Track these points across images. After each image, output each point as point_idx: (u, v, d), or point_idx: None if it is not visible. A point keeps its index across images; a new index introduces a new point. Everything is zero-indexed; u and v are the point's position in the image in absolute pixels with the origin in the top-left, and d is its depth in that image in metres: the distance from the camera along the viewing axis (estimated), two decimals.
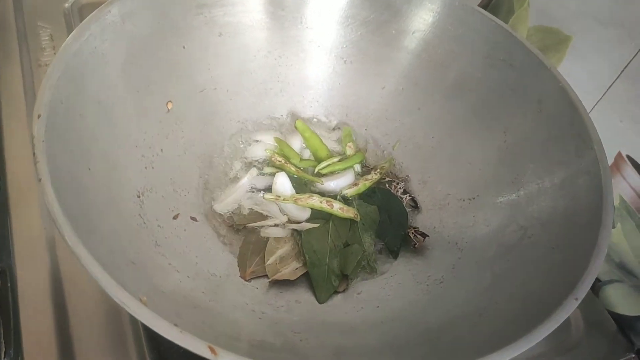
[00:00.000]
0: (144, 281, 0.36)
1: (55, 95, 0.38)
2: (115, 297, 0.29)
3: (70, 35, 0.42)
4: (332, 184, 0.54)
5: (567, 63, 0.59)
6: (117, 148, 0.44)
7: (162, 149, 0.50)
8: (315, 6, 0.58)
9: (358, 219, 0.51)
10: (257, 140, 0.58)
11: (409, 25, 0.58)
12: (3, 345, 0.43)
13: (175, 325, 0.29)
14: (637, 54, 0.51)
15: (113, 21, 0.46)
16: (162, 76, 0.51)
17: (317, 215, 0.52)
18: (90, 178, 0.39)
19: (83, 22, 0.43)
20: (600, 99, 0.56)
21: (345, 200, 0.54)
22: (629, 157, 0.53)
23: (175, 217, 0.47)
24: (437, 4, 0.56)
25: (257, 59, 0.58)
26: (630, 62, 0.52)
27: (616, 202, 0.55)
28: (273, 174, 0.53)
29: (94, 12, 0.45)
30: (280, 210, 0.52)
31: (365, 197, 0.55)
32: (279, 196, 0.51)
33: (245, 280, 0.46)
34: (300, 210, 0.51)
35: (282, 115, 0.61)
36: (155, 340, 0.44)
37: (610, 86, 0.54)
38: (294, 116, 0.61)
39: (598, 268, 0.36)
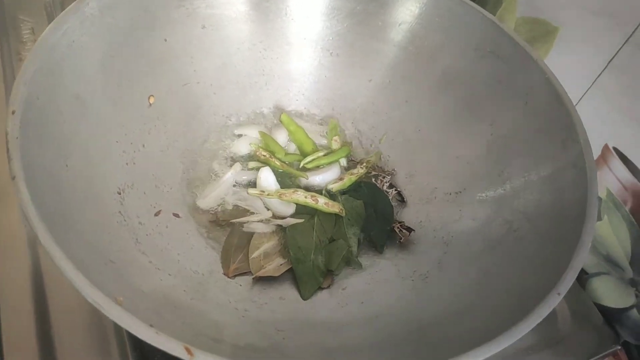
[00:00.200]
0: (122, 280, 0.35)
1: (31, 91, 0.37)
2: (88, 297, 0.29)
3: (47, 29, 0.41)
4: (317, 179, 0.54)
5: (554, 54, 0.58)
6: (97, 144, 0.43)
7: (144, 145, 0.49)
8: None
9: (343, 214, 0.51)
10: (242, 135, 0.57)
11: (395, 16, 0.57)
12: None
13: (151, 325, 0.29)
14: (624, 44, 0.51)
15: (92, 14, 0.45)
16: (144, 70, 0.50)
17: (302, 210, 0.51)
18: (68, 175, 0.38)
19: (60, 15, 0.43)
20: (588, 90, 0.55)
21: (331, 195, 0.53)
22: (615, 149, 0.53)
23: (157, 214, 0.46)
24: None
25: (241, 52, 0.58)
26: (617, 52, 0.52)
27: (603, 194, 0.55)
28: (257, 169, 0.53)
29: (72, 4, 0.44)
30: (265, 205, 0.51)
31: (351, 191, 0.54)
32: (263, 191, 0.51)
33: (229, 278, 0.45)
34: (284, 205, 0.51)
35: (267, 109, 0.61)
36: (138, 339, 0.43)
37: (597, 77, 0.54)
38: (280, 110, 0.61)
39: (581, 263, 0.35)
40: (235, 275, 0.46)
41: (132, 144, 0.47)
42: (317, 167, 0.55)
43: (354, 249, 0.49)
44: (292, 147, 0.58)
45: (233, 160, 0.55)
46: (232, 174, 0.52)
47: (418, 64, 0.57)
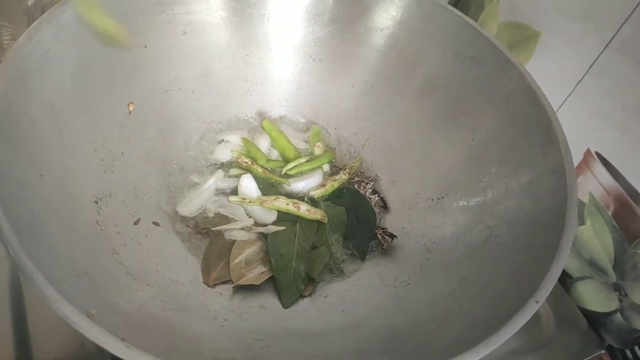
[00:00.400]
0: (96, 292, 0.35)
1: (4, 101, 0.36)
2: (58, 310, 0.28)
3: (21, 38, 0.41)
4: (299, 185, 0.54)
5: (536, 59, 0.58)
6: (73, 153, 0.43)
7: (122, 153, 0.48)
8: (282, 2, 0.57)
9: (326, 221, 0.51)
10: (224, 141, 0.57)
11: (377, 22, 0.57)
12: None
13: (123, 339, 0.29)
14: (604, 49, 0.51)
15: (68, 22, 0.44)
16: (123, 77, 0.50)
17: (284, 217, 0.51)
18: (42, 185, 0.38)
19: (35, 23, 0.42)
20: (570, 94, 0.55)
21: (313, 201, 0.53)
22: (598, 153, 0.53)
23: (136, 223, 0.46)
24: (405, 1, 0.55)
25: (223, 58, 0.57)
26: (598, 57, 0.52)
27: (586, 199, 0.55)
28: (239, 176, 0.52)
29: (47, 12, 0.43)
30: (247, 213, 0.51)
31: (334, 198, 0.54)
32: (245, 198, 0.50)
33: (209, 287, 0.45)
34: (266, 212, 0.50)
35: (250, 115, 0.60)
36: None
37: (579, 82, 0.54)
38: (263, 116, 0.60)
39: (559, 270, 0.35)
40: (215, 284, 0.45)
41: (110, 152, 0.47)
42: (300, 174, 0.55)
43: (336, 256, 0.49)
44: (275, 154, 0.57)
45: (215, 167, 0.55)
46: (214, 181, 0.52)
47: (400, 70, 0.56)
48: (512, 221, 0.43)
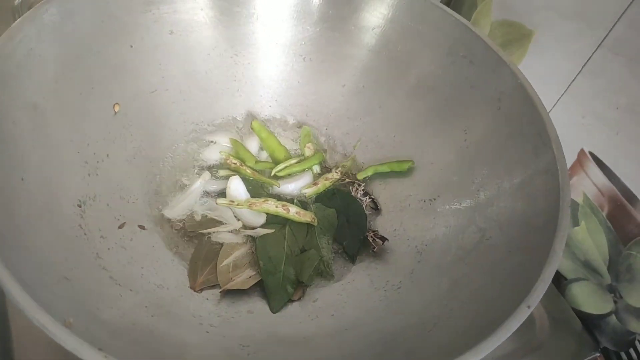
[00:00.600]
0: (76, 298, 0.34)
1: None
2: (33, 318, 0.28)
3: (2, 37, 0.40)
4: (289, 187, 0.53)
5: (529, 58, 0.58)
6: (56, 155, 0.42)
7: (108, 155, 0.47)
8: (271, 1, 0.56)
9: (315, 223, 0.50)
10: (213, 142, 0.56)
11: (368, 21, 0.56)
12: None
13: (100, 349, 0.28)
14: (597, 48, 0.50)
15: (52, 20, 0.44)
16: (108, 77, 0.49)
17: (273, 220, 0.50)
18: (23, 189, 0.37)
19: (16, 22, 0.41)
20: (563, 94, 0.54)
21: (303, 203, 0.52)
22: (591, 153, 0.52)
23: (120, 227, 0.45)
24: None
25: (211, 58, 0.56)
26: (591, 56, 0.51)
27: (580, 199, 0.54)
28: (227, 178, 0.51)
29: (30, 11, 0.43)
30: (235, 215, 0.50)
31: (324, 199, 0.53)
32: (233, 201, 0.49)
33: (195, 291, 0.44)
34: (255, 215, 0.49)
35: (239, 116, 0.59)
36: None
37: (572, 81, 0.53)
38: (252, 116, 0.59)
39: (552, 274, 0.34)
40: (202, 289, 0.44)
41: (95, 154, 0.46)
42: (290, 175, 0.54)
43: (326, 259, 0.48)
44: (264, 155, 0.57)
45: (203, 168, 0.54)
46: (201, 183, 0.51)
47: (391, 69, 0.56)
48: (505, 223, 0.42)
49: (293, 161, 0.55)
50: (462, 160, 0.50)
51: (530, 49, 0.58)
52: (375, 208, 0.53)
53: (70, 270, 0.36)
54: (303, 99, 0.60)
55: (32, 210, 0.37)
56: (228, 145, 0.56)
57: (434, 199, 0.50)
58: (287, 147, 0.57)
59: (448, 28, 0.52)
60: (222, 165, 0.54)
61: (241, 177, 0.51)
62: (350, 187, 0.55)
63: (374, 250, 0.49)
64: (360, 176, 0.55)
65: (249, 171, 0.52)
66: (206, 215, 0.50)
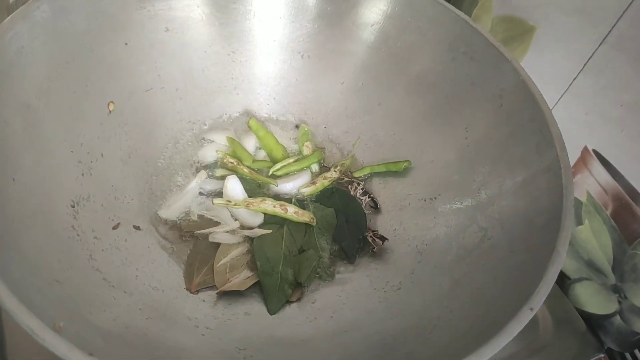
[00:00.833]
0: (68, 301, 0.33)
1: None
2: (21, 322, 0.27)
3: None
4: (287, 186, 0.52)
5: (531, 54, 0.57)
6: (49, 155, 0.41)
7: (102, 154, 0.47)
8: None
9: (314, 223, 0.49)
10: (209, 141, 0.55)
11: (367, 17, 0.55)
12: None
13: (91, 354, 0.27)
14: (600, 44, 0.49)
15: (43, 18, 0.43)
16: (102, 75, 0.48)
17: (270, 220, 0.49)
18: (14, 189, 0.36)
19: (6, 20, 0.40)
20: (566, 91, 0.53)
21: (301, 203, 0.51)
22: (595, 151, 0.52)
23: (115, 227, 0.44)
24: None
25: (208, 56, 0.56)
26: (594, 52, 0.50)
27: (584, 198, 0.53)
28: (224, 177, 0.50)
29: (21, 8, 0.42)
30: (232, 215, 0.49)
31: (323, 199, 0.52)
32: (230, 201, 0.48)
33: (192, 293, 0.43)
34: (252, 215, 0.49)
35: (236, 114, 0.58)
36: None
37: (575, 78, 0.52)
38: (249, 115, 0.58)
39: (555, 275, 0.33)
40: (198, 290, 0.44)
41: (89, 154, 0.45)
42: (288, 174, 0.53)
43: (325, 259, 0.47)
44: (262, 154, 0.56)
45: (199, 168, 0.53)
46: (197, 183, 0.50)
47: (391, 66, 0.55)
48: (507, 222, 0.41)
49: (291, 160, 0.54)
50: (462, 159, 0.49)
51: (531, 45, 0.57)
52: (375, 207, 0.53)
53: (63, 272, 0.35)
54: (301, 96, 0.59)
55: (24, 211, 0.36)
56: (225, 144, 0.55)
57: (435, 198, 0.50)
58: (285, 145, 0.56)
59: (448, 24, 0.51)
60: (219, 164, 0.53)
61: (238, 177, 0.50)
62: (349, 186, 0.54)
63: (374, 250, 0.48)
64: (356, 174, 0.54)
65: (246, 170, 0.52)
66: (203, 216, 0.49)
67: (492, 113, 0.47)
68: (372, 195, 0.53)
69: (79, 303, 0.34)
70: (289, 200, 0.51)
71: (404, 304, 0.42)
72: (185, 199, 0.49)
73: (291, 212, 0.48)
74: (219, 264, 0.45)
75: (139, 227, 0.46)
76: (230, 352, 0.37)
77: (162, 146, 0.53)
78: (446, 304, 0.38)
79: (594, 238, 0.53)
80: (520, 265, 0.37)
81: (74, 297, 0.34)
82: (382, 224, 0.51)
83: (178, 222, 0.48)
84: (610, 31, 0.48)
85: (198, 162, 0.54)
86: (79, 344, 0.27)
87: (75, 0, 0.45)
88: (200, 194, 0.51)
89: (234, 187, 0.49)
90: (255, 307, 0.44)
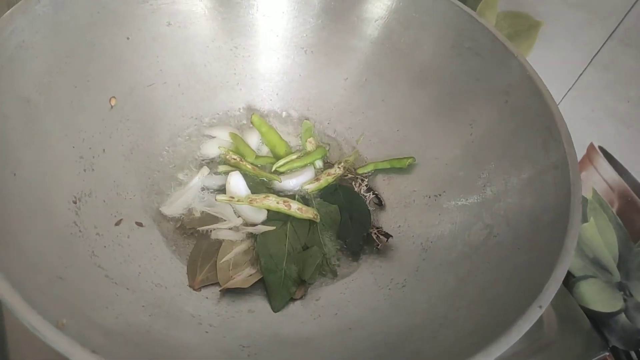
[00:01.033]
0: (70, 298, 0.33)
1: None
2: (23, 319, 0.26)
3: None
4: (291, 183, 0.51)
5: (537, 50, 0.56)
6: (50, 150, 0.41)
7: (104, 149, 0.46)
8: None
9: (318, 220, 0.48)
10: (212, 137, 0.54)
11: (371, 12, 0.55)
12: None
13: (94, 351, 0.26)
14: (607, 39, 0.48)
15: (44, 12, 0.42)
16: (104, 70, 0.47)
17: (274, 216, 0.49)
18: (15, 185, 0.36)
19: (6, 13, 0.40)
20: (572, 87, 0.53)
21: (304, 200, 0.51)
22: (601, 148, 0.51)
23: (117, 223, 0.43)
24: None
25: (210, 50, 0.55)
26: (601, 48, 0.49)
27: (589, 195, 0.53)
28: (227, 173, 0.50)
29: (21, 1, 0.41)
30: (235, 212, 0.49)
31: (326, 195, 0.52)
32: (233, 197, 0.48)
33: (194, 290, 0.43)
34: (255, 211, 0.48)
35: (239, 110, 0.58)
36: None
37: (581, 74, 0.52)
38: (252, 110, 0.58)
39: (564, 273, 0.33)
40: (201, 287, 0.43)
41: (90, 149, 0.45)
42: (291, 171, 0.53)
43: (329, 256, 0.47)
44: (265, 150, 0.55)
45: (202, 164, 0.52)
46: (200, 179, 0.50)
47: (395, 61, 0.54)
48: (513, 220, 0.41)
49: (294, 156, 0.53)
50: (467, 155, 0.48)
51: (537, 40, 0.56)
52: (379, 204, 0.52)
53: (65, 269, 0.35)
54: (304, 92, 0.58)
55: (25, 206, 0.36)
56: (228, 140, 0.54)
57: (439, 195, 0.49)
58: (288, 141, 0.55)
59: (453, 19, 0.50)
60: (222, 160, 0.53)
61: (241, 173, 0.50)
62: (353, 183, 0.54)
63: (378, 247, 0.48)
64: (359, 171, 0.54)
65: (249, 166, 0.51)
66: (205, 212, 0.48)
67: (497, 109, 0.47)
68: (376, 192, 0.53)
69: (81, 300, 0.33)
70: (292, 196, 0.50)
71: (409, 301, 0.41)
72: (187, 195, 0.48)
73: (295, 208, 0.48)
74: (222, 261, 0.45)
75: (141, 223, 0.45)
76: (234, 349, 0.37)
77: (164, 142, 0.52)
78: (452, 302, 0.38)
79: (599, 235, 0.53)
80: (527, 263, 0.37)
81: (76, 294, 0.34)
82: (387, 220, 0.51)
83: (181, 218, 0.48)
84: (618, 26, 0.47)
85: (200, 158, 0.53)
86: (82, 342, 0.27)
87: None
88: (203, 190, 0.50)
89: (237, 184, 0.49)
90: (259, 304, 0.43)
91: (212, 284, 0.44)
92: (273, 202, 0.48)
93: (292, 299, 0.44)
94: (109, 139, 0.47)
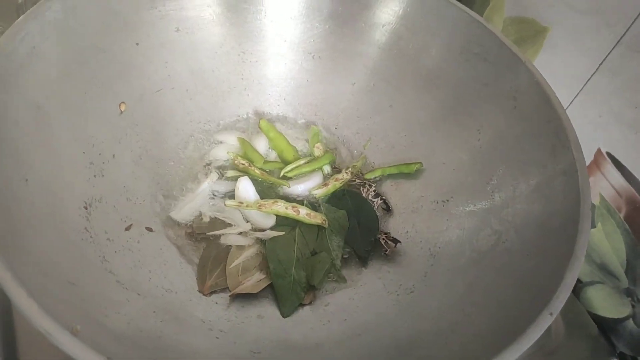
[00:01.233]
0: (82, 304, 0.33)
1: None
2: (39, 326, 0.27)
3: (3, 35, 0.39)
4: (299, 188, 0.51)
5: (544, 56, 0.56)
6: (61, 156, 0.41)
7: (114, 155, 0.46)
8: None
9: (326, 225, 0.48)
10: (220, 142, 0.55)
11: (379, 18, 0.55)
12: None
13: (109, 358, 0.27)
14: (616, 44, 0.49)
15: (55, 18, 0.43)
16: (113, 76, 0.48)
17: (282, 222, 0.49)
18: (26, 191, 0.36)
19: (18, 20, 0.40)
20: (579, 92, 0.53)
21: (313, 205, 0.51)
22: (608, 153, 0.51)
23: (127, 229, 0.44)
24: None
25: (218, 56, 0.55)
26: (609, 53, 0.50)
27: (597, 200, 0.53)
28: (236, 178, 0.50)
29: (32, 8, 0.41)
30: (244, 217, 0.49)
31: (334, 201, 0.52)
32: (242, 202, 0.48)
33: (204, 295, 0.43)
34: (264, 217, 0.48)
35: (247, 115, 0.58)
36: None
37: (588, 79, 0.52)
38: (260, 116, 0.58)
39: (574, 279, 0.33)
40: (211, 293, 0.43)
41: (100, 155, 0.45)
42: (299, 176, 0.53)
43: (338, 262, 0.47)
44: (273, 155, 0.55)
45: (211, 169, 0.53)
46: (209, 184, 0.50)
47: (403, 67, 0.54)
48: (521, 226, 0.41)
49: (302, 161, 0.53)
50: (475, 161, 0.48)
51: (544, 45, 0.56)
52: (387, 209, 0.52)
53: (76, 274, 0.35)
54: (312, 97, 0.59)
55: (36, 212, 0.36)
56: (236, 145, 0.54)
57: (447, 200, 0.49)
58: (295, 147, 0.56)
59: (461, 25, 0.50)
60: (230, 165, 0.53)
61: (250, 178, 0.50)
62: (361, 188, 0.54)
63: (386, 253, 0.48)
64: (367, 176, 0.54)
65: (257, 172, 0.51)
66: (214, 217, 0.48)
67: (505, 115, 0.47)
68: (384, 197, 0.53)
69: (93, 306, 0.34)
70: (300, 202, 0.50)
71: (418, 307, 0.41)
72: (196, 201, 0.49)
73: (303, 214, 0.48)
74: (231, 266, 0.45)
75: (151, 228, 0.46)
76: (245, 355, 0.37)
77: (173, 147, 0.53)
78: (462, 308, 0.38)
79: (606, 241, 0.53)
80: (536, 269, 0.37)
81: (88, 300, 0.34)
82: (395, 226, 0.51)
83: (190, 223, 0.48)
84: (626, 31, 0.47)
85: (209, 163, 0.53)
86: (95, 347, 0.27)
87: (87, 0, 0.45)
88: (212, 195, 0.50)
89: (245, 189, 0.49)
90: (269, 309, 0.43)
91: (222, 290, 0.44)
92: (282, 207, 0.48)
93: (301, 305, 0.44)
94: (119, 144, 0.47)
